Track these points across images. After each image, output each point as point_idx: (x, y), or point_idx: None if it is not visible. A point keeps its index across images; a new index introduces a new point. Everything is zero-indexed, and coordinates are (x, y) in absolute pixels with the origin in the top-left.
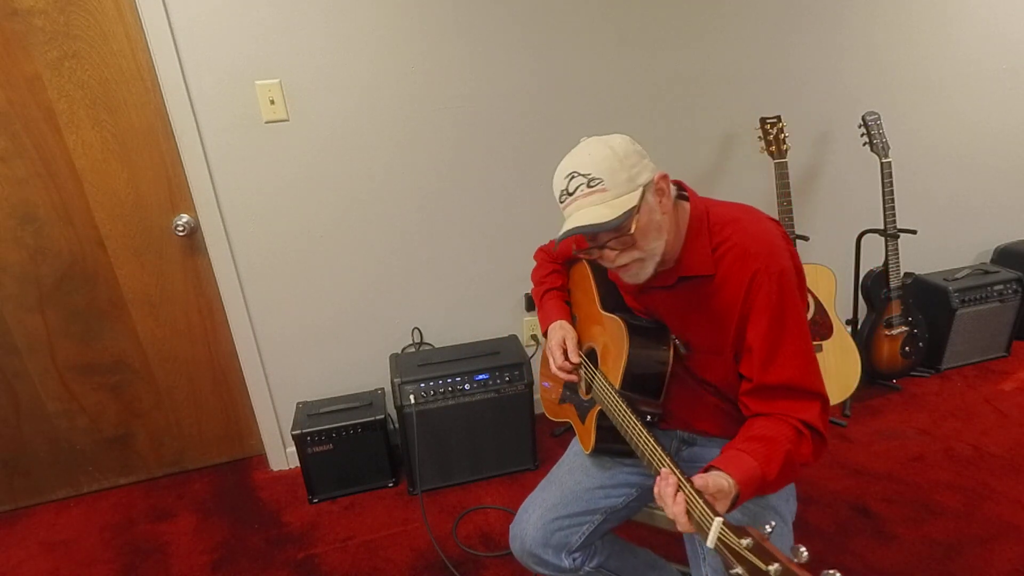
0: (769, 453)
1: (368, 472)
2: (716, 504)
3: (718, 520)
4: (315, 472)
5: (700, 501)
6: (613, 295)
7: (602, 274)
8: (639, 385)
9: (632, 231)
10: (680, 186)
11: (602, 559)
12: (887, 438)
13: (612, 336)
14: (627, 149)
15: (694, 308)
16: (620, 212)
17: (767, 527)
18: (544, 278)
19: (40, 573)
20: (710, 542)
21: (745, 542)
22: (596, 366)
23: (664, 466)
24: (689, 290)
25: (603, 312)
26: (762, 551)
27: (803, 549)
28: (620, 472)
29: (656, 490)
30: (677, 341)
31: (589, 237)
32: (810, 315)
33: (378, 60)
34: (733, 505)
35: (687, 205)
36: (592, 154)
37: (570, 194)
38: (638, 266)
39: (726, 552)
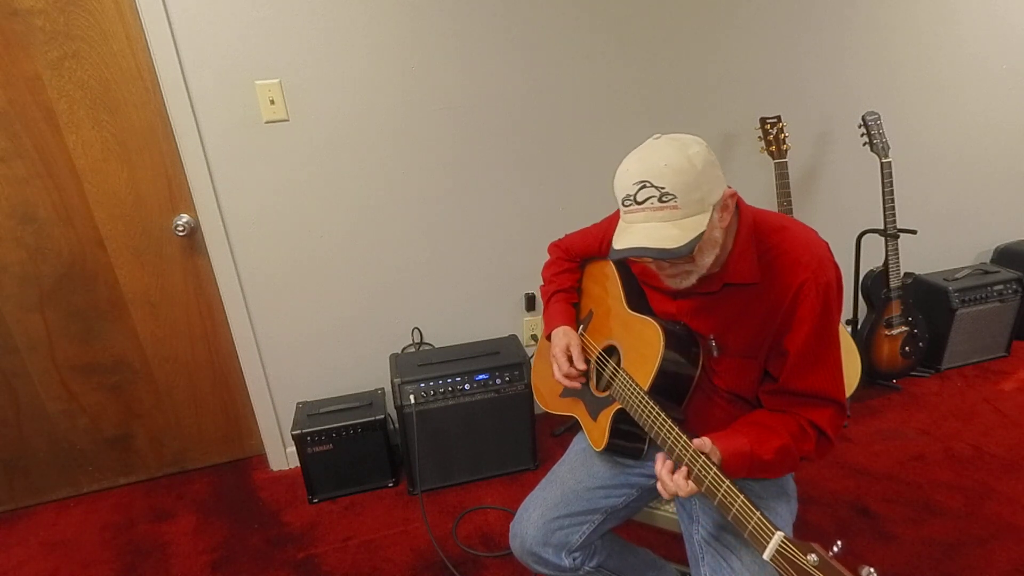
0: (764, 437)
1: (368, 472)
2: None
3: (779, 534)
4: (315, 472)
5: (753, 511)
6: (638, 296)
7: (627, 273)
8: (666, 389)
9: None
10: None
11: (602, 558)
12: (887, 438)
13: (642, 337)
14: (705, 161)
15: (736, 313)
16: (691, 237)
17: (834, 547)
18: (554, 276)
19: (40, 573)
20: (767, 555)
21: (811, 558)
22: (618, 363)
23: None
24: (733, 296)
25: (631, 312)
26: (829, 568)
27: (871, 569)
28: (621, 472)
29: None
30: (713, 342)
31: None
32: None
33: (378, 60)
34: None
35: (736, 210)
36: (669, 164)
37: (638, 203)
38: (684, 276)
39: (786, 566)
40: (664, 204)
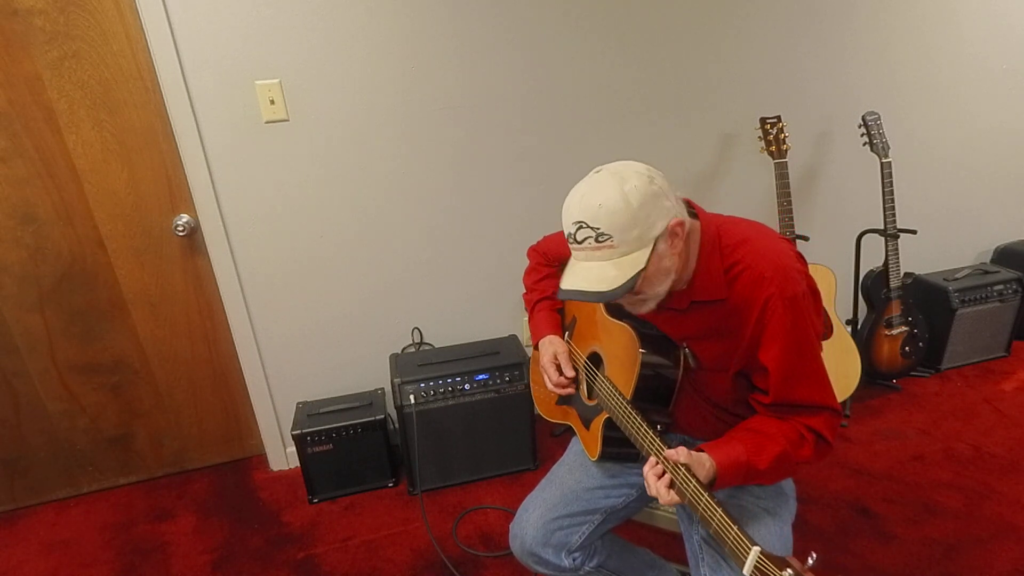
0: (761, 445)
1: (368, 472)
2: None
3: (756, 549)
4: (315, 472)
5: (731, 526)
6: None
7: None
8: (650, 394)
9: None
10: (688, 204)
11: (602, 559)
12: (887, 438)
13: (620, 343)
14: (643, 196)
15: (705, 329)
16: (629, 276)
17: (809, 559)
18: (536, 284)
19: (40, 573)
20: (746, 570)
21: (787, 573)
22: (601, 371)
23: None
24: (701, 313)
25: (609, 318)
26: None
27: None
28: (621, 472)
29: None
30: (687, 351)
31: None
32: None
33: (378, 60)
34: (712, 484)
35: (697, 224)
36: (604, 204)
37: (578, 242)
38: (641, 303)
39: None
40: (601, 244)
